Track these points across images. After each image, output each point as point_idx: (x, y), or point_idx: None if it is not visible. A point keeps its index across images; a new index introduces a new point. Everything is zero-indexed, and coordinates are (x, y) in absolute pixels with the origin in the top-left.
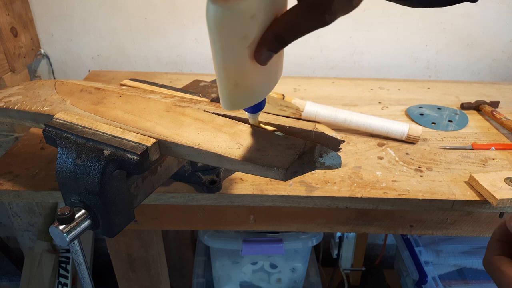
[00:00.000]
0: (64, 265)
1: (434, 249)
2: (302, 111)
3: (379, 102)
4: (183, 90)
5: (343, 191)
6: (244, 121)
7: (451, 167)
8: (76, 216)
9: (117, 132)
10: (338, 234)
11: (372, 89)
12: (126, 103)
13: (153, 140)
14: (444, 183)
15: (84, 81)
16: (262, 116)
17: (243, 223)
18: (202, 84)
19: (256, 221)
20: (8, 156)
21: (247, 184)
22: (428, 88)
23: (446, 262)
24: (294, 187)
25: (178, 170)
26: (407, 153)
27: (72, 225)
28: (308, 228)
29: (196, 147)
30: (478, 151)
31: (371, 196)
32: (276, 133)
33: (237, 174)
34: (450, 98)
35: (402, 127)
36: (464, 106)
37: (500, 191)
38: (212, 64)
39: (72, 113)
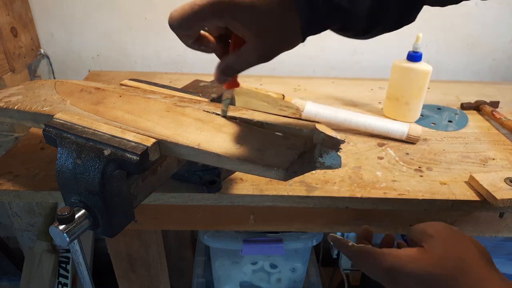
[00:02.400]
0: (64, 265)
1: None
2: (302, 111)
3: (379, 102)
4: (183, 90)
5: (343, 191)
6: (244, 121)
7: (451, 167)
8: (76, 216)
9: (117, 132)
10: (338, 234)
11: (372, 89)
12: (126, 103)
13: (153, 140)
14: (444, 183)
15: (84, 81)
16: (262, 116)
17: (243, 223)
18: (202, 84)
19: (256, 221)
20: (8, 156)
21: (247, 184)
22: (428, 88)
23: None
24: (294, 187)
25: (178, 170)
26: (407, 153)
27: (72, 225)
28: (308, 228)
29: (196, 147)
30: (479, 151)
31: (371, 196)
32: (276, 133)
33: (237, 174)
34: (450, 98)
35: (402, 127)
36: (464, 106)
37: (500, 191)
38: (212, 63)
39: (72, 113)
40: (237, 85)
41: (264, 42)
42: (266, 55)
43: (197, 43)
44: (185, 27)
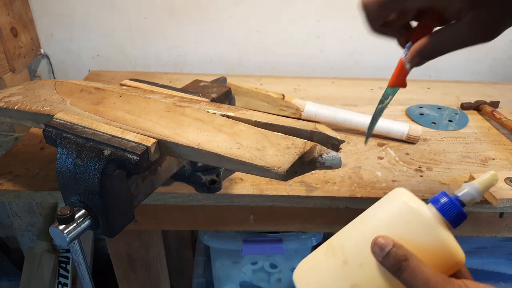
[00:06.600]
0: (64, 265)
1: None
2: (302, 111)
3: None
4: (183, 90)
5: (343, 191)
6: (244, 121)
7: (451, 167)
8: (76, 216)
9: (117, 132)
10: None
11: (372, 89)
12: (126, 103)
13: (153, 140)
14: (444, 183)
15: (84, 81)
16: (262, 116)
17: (243, 223)
18: (202, 84)
19: (256, 221)
20: (8, 156)
21: (247, 184)
22: (428, 88)
23: None
24: (294, 187)
25: (178, 170)
26: (407, 153)
27: (72, 225)
28: (308, 228)
29: (196, 147)
30: (479, 151)
31: (371, 196)
32: (276, 133)
33: (237, 174)
34: (450, 98)
35: (402, 127)
36: (464, 106)
37: (500, 191)
38: (212, 63)
39: (72, 113)
40: (404, 85)
41: (484, 16)
42: (488, 33)
43: (385, 27)
44: (386, 7)
